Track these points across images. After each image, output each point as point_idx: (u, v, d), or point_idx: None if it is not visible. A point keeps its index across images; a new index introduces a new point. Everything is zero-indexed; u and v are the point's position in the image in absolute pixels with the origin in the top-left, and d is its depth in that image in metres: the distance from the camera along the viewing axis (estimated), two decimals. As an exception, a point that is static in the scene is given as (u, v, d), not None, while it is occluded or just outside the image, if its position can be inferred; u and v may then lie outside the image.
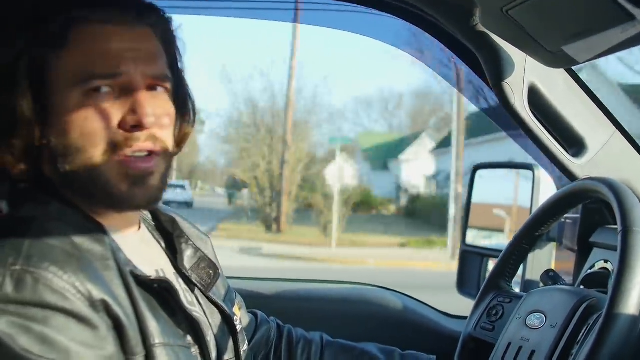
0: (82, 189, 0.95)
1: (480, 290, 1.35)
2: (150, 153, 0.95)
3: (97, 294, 0.85)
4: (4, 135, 0.93)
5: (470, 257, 1.88)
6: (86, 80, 0.92)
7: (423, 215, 25.30)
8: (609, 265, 1.32)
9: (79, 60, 0.93)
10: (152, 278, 0.96)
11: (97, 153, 0.92)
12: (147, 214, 1.13)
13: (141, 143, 0.94)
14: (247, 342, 1.21)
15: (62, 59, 0.93)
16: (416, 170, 34.02)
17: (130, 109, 0.93)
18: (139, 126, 0.94)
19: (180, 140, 1.07)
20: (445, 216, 18.71)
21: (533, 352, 1.11)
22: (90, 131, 0.92)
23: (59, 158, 0.94)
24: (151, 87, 0.97)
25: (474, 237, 1.86)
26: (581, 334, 1.06)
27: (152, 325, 0.90)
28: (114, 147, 0.93)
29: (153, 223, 1.14)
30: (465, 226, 1.93)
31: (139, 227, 1.07)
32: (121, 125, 0.93)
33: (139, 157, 0.94)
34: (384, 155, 38.57)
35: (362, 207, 26.93)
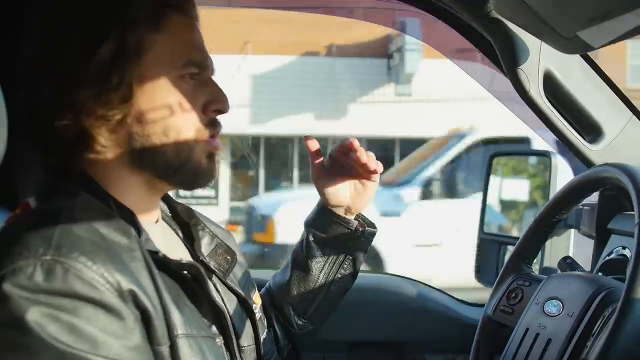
0: (163, 165, 0.99)
1: (500, 272, 1.35)
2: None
3: (126, 284, 0.86)
4: (100, 109, 0.94)
5: (489, 245, 1.87)
6: (184, 66, 0.98)
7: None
8: (627, 252, 1.31)
9: (176, 46, 0.98)
10: (183, 262, 0.98)
11: (189, 132, 0.99)
12: (163, 205, 1.14)
13: (219, 126, 1.03)
14: (267, 330, 1.22)
15: (158, 42, 0.97)
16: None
17: (211, 95, 1.01)
18: (221, 111, 1.03)
19: None
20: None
21: (549, 341, 1.11)
22: (184, 112, 0.99)
23: (142, 135, 0.97)
24: None
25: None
26: (596, 326, 1.06)
27: (176, 316, 0.91)
28: (201, 127, 1.00)
29: (170, 214, 1.15)
30: (482, 214, 1.92)
31: (158, 219, 1.08)
32: (205, 109, 1.01)
33: (215, 137, 1.04)
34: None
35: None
